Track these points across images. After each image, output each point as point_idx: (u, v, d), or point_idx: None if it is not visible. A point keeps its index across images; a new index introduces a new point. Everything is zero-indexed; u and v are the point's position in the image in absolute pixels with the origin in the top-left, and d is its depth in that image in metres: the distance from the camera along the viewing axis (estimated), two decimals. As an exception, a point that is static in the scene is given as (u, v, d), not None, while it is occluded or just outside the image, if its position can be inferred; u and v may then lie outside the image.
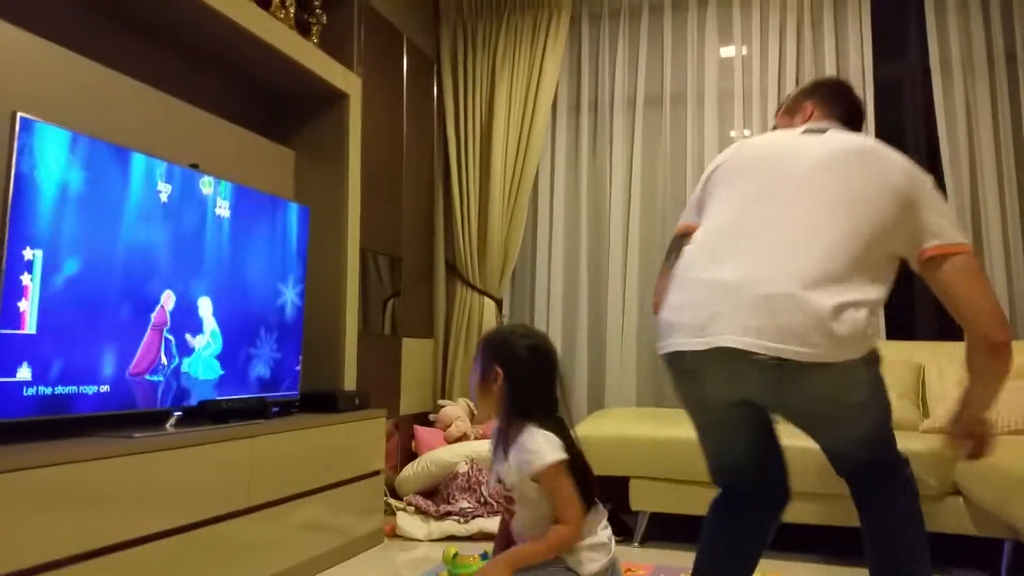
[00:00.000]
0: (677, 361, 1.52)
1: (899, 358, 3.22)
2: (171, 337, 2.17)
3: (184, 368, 2.22)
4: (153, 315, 2.11)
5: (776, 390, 1.46)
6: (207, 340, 2.31)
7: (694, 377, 1.53)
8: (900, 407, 3.02)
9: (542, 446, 1.54)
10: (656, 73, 3.93)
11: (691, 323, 1.48)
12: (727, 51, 3.85)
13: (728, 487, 1.72)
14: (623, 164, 3.93)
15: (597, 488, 1.66)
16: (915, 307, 3.77)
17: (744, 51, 3.79)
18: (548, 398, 1.62)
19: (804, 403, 1.50)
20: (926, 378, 3.17)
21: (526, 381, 1.59)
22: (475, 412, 3.60)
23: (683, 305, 1.51)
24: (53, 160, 1.82)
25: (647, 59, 3.94)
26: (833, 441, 1.62)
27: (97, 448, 1.73)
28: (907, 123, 3.87)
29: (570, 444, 1.61)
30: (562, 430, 1.61)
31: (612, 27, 4.01)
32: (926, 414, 3.04)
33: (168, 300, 2.16)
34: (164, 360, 2.14)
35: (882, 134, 3.60)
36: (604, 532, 1.64)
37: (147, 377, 2.09)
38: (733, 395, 1.52)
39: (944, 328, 3.70)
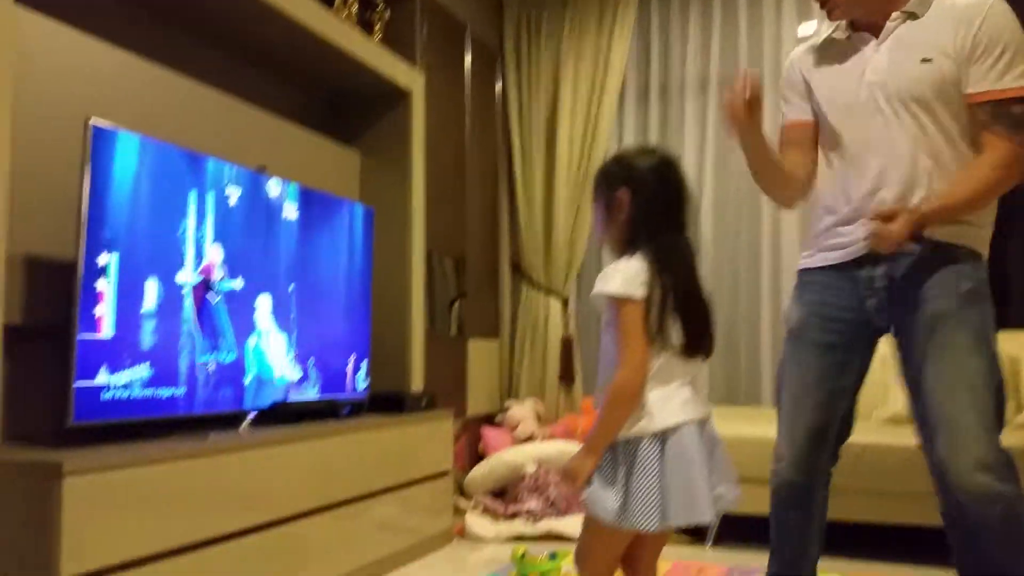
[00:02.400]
0: None
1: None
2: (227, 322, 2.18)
3: (257, 369, 2.23)
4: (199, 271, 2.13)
5: None
6: (268, 334, 2.32)
7: None
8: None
9: (615, 273, 1.37)
10: (731, 54, 3.75)
11: None
12: (807, 28, 3.65)
13: None
14: (695, 152, 3.78)
15: (706, 339, 1.44)
16: (1010, 295, 3.51)
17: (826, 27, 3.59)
18: (677, 218, 1.44)
19: None
20: (1021, 369, 2.96)
21: (654, 201, 1.41)
22: (542, 413, 3.54)
23: None
24: (125, 166, 1.84)
25: (720, 39, 3.77)
26: None
27: (174, 450, 1.76)
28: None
29: (677, 272, 1.40)
30: (675, 255, 1.41)
31: (682, 7, 3.85)
32: (1020, 407, 2.84)
33: (216, 253, 2.12)
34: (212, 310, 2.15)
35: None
36: (672, 389, 1.38)
37: (217, 361, 2.10)
38: None
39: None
